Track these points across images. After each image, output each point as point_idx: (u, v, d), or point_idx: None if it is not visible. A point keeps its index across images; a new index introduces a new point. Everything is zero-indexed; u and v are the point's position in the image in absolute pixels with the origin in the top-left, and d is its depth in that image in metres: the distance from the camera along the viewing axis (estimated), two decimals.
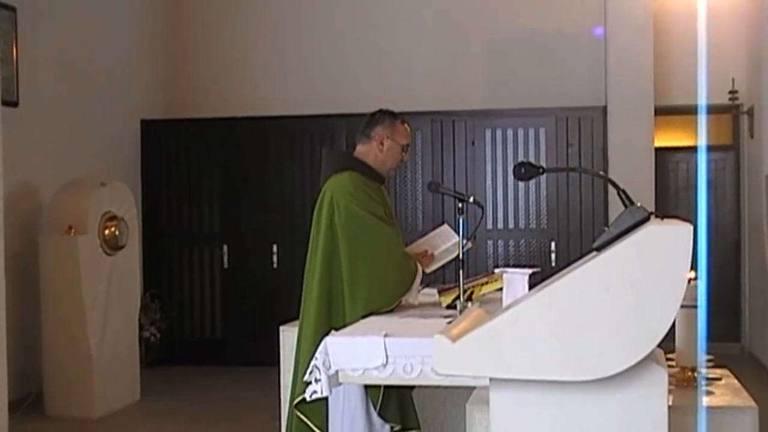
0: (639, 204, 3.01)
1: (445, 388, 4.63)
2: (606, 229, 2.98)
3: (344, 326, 4.42)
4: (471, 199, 4.81)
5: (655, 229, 2.73)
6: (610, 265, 2.72)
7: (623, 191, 3.21)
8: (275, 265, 10.75)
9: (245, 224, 10.92)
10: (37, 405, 8.49)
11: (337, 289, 4.63)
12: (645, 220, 2.90)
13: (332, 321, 4.56)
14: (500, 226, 10.61)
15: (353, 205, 4.65)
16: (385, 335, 3.85)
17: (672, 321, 2.67)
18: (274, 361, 5.71)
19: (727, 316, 11.19)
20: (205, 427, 8.13)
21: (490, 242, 10.59)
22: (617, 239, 2.85)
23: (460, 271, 4.62)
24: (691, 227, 2.69)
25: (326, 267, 4.68)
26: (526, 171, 3.65)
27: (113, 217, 8.82)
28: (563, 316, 2.70)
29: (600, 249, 2.89)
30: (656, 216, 3.03)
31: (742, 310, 11.32)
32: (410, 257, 4.78)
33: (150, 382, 9.40)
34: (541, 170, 3.68)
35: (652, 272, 2.67)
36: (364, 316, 4.50)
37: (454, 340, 2.77)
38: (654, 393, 2.78)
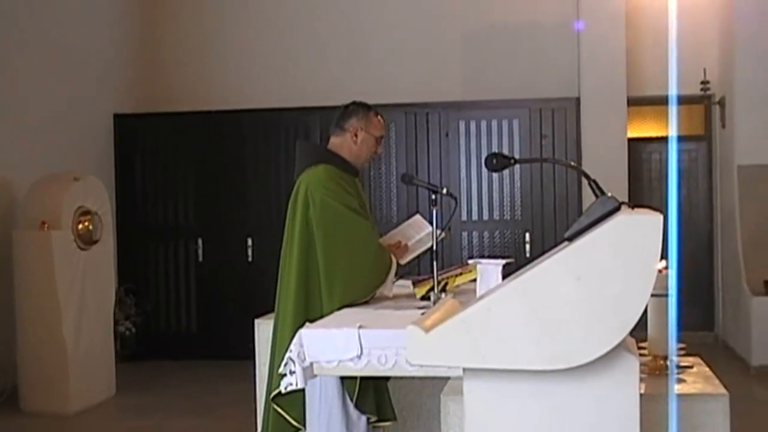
0: (610, 194, 3.03)
1: (421, 378, 4.64)
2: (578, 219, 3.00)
3: (321, 318, 4.43)
4: (444, 191, 4.82)
5: (625, 218, 2.75)
6: (581, 255, 2.73)
7: (594, 181, 3.24)
8: (250, 259, 10.75)
9: (220, 218, 10.91)
10: (12, 401, 8.47)
11: (313, 282, 4.63)
12: (616, 210, 2.92)
13: (309, 314, 4.56)
14: (475, 217, 10.64)
15: (328, 198, 4.65)
16: (360, 327, 3.86)
17: (643, 309, 2.69)
18: (250, 354, 5.71)
19: (700, 305, 11.27)
20: (181, 421, 8.13)
21: (464, 233, 10.62)
22: (588, 229, 2.87)
23: (434, 263, 4.63)
24: (661, 217, 2.71)
25: (302, 260, 4.67)
26: (497, 162, 3.67)
27: (87, 212, 8.80)
28: (536, 305, 2.71)
29: (571, 239, 2.91)
30: (627, 206, 3.06)
31: (715, 300, 11.39)
32: (385, 249, 4.78)
33: (126, 377, 9.38)
34: (512, 161, 3.70)
35: (623, 261, 2.69)
36: (340, 308, 4.50)
37: (427, 330, 2.78)
38: (626, 381, 2.80)
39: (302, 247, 4.67)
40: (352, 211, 4.67)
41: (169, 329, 11.10)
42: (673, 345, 4.12)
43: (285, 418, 4.59)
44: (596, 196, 3.10)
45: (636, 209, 3.00)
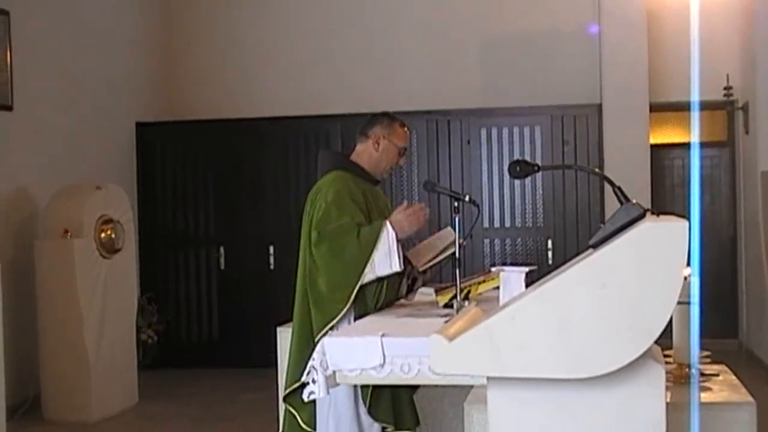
0: (634, 201, 3.01)
1: (444, 387, 4.62)
2: (602, 226, 2.98)
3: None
4: (467, 198, 4.81)
5: (650, 226, 2.73)
6: (605, 263, 2.71)
7: (619, 188, 3.21)
8: (272, 267, 10.74)
9: (241, 226, 10.91)
10: (34, 409, 8.46)
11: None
12: (640, 217, 2.90)
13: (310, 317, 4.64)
14: (497, 224, 10.61)
15: (328, 205, 4.66)
16: (383, 335, 3.85)
17: (668, 318, 2.67)
18: (272, 362, 5.72)
19: (724, 312, 11.19)
20: (203, 430, 8.13)
21: (486, 241, 10.59)
22: (613, 236, 2.85)
23: (457, 270, 4.61)
24: (687, 224, 2.69)
25: (305, 265, 4.72)
26: (521, 169, 3.66)
27: (109, 221, 8.81)
28: (560, 313, 2.70)
29: (596, 246, 2.89)
30: (652, 213, 3.03)
31: (739, 307, 11.31)
32: (372, 225, 4.66)
33: (148, 385, 9.38)
34: (536, 168, 3.68)
35: (648, 269, 2.66)
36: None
37: (450, 339, 2.77)
38: (651, 390, 2.78)
39: (305, 253, 4.72)
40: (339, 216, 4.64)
41: (191, 337, 11.10)
42: (695, 353, 4.09)
43: (297, 421, 4.63)
44: (620, 203, 3.07)
45: (661, 216, 2.98)
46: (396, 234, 4.56)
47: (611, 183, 3.27)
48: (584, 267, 2.74)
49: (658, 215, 2.98)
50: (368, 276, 4.54)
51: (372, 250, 4.52)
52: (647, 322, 2.66)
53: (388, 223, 4.56)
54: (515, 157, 10.23)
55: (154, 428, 8.39)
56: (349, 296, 4.54)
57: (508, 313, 2.77)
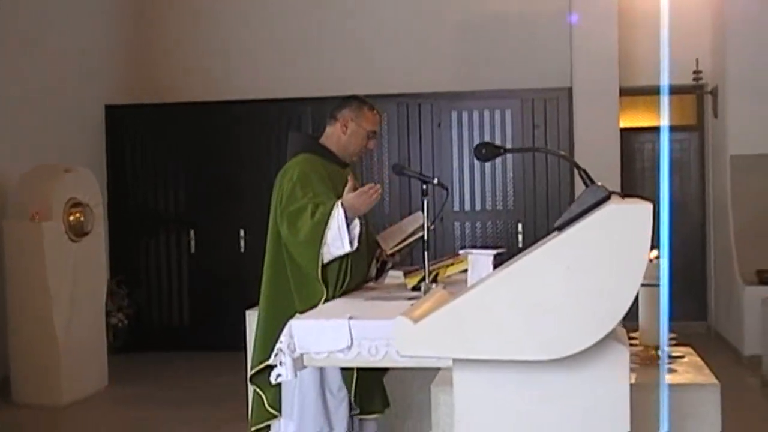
0: (600, 183, 3.02)
1: (414, 370, 4.63)
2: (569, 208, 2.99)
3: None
4: (435, 181, 4.82)
5: (614, 208, 2.74)
6: (570, 245, 2.72)
7: (584, 170, 3.23)
8: (242, 250, 10.73)
9: (212, 209, 10.89)
10: (3, 392, 8.45)
11: (281, 269, 4.67)
12: (605, 199, 2.90)
13: (279, 299, 4.68)
14: (467, 207, 10.63)
15: (293, 185, 4.66)
16: (350, 318, 3.85)
17: (633, 299, 2.68)
18: (243, 345, 5.70)
19: (693, 295, 11.27)
20: (173, 413, 8.11)
21: (457, 224, 10.62)
22: (578, 218, 2.86)
23: (425, 253, 4.62)
24: (651, 206, 2.70)
25: (273, 248, 4.73)
26: (487, 151, 3.66)
27: (78, 204, 8.77)
28: (525, 295, 2.70)
29: (561, 228, 2.90)
30: (618, 195, 3.04)
31: (708, 290, 11.40)
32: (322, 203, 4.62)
33: (118, 368, 9.37)
34: (502, 150, 3.69)
35: (613, 251, 2.67)
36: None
37: (416, 321, 2.77)
38: (616, 371, 2.80)
39: (273, 235, 4.72)
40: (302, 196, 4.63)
41: (162, 320, 11.08)
42: (664, 335, 4.12)
43: (263, 403, 4.64)
44: (586, 185, 3.09)
45: (626, 198, 2.99)
46: (345, 213, 4.51)
47: (576, 165, 3.29)
48: (549, 248, 2.74)
49: (623, 197, 2.99)
50: (326, 255, 4.53)
51: (324, 229, 4.49)
52: (611, 303, 2.67)
53: (339, 203, 4.53)
54: (486, 140, 10.28)
55: (124, 411, 8.38)
56: (318, 278, 4.55)
57: (474, 295, 2.78)
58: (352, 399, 4.63)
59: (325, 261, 4.53)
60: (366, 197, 4.53)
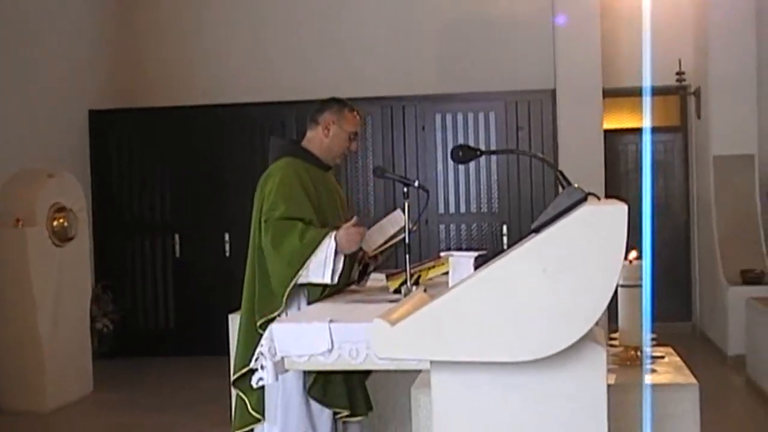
0: (576, 185, 3.03)
1: (396, 372, 4.63)
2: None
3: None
4: (416, 184, 4.82)
5: (589, 209, 2.75)
6: (546, 246, 2.73)
7: (560, 172, 3.24)
8: (228, 254, 10.72)
9: (197, 213, 10.88)
10: None
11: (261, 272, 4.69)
12: (582, 201, 2.92)
13: (256, 301, 4.68)
14: (452, 210, 10.64)
15: (271, 193, 4.67)
16: (330, 321, 3.86)
17: (608, 300, 2.69)
18: (227, 350, 5.70)
19: (677, 295, 11.31)
20: (159, 418, 8.11)
21: (442, 226, 10.63)
22: (555, 220, 2.87)
23: (407, 256, 4.62)
24: (626, 207, 2.71)
25: (254, 251, 4.74)
26: (463, 154, 3.67)
27: (62, 209, 8.75)
28: (501, 297, 2.71)
29: (538, 230, 2.91)
30: (595, 197, 3.06)
31: (692, 290, 11.43)
32: (317, 231, 4.60)
33: (103, 374, 9.34)
34: (478, 152, 3.70)
35: (588, 252, 2.69)
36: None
37: (393, 323, 2.78)
38: (593, 372, 2.80)
39: (255, 240, 4.73)
40: (282, 214, 4.63)
41: (147, 326, 11.06)
42: (647, 335, 4.13)
43: (247, 408, 4.63)
44: (563, 187, 3.10)
45: (603, 200, 3.01)
46: (336, 247, 4.52)
47: (553, 167, 3.31)
48: (525, 250, 2.76)
49: (600, 199, 3.00)
50: (301, 278, 4.53)
51: (310, 255, 4.50)
52: (587, 305, 2.68)
53: (333, 234, 4.53)
54: (470, 143, 10.29)
55: (109, 416, 8.36)
56: (283, 294, 4.55)
57: (451, 297, 2.78)
58: (309, 393, 4.59)
59: (298, 283, 4.54)
60: (353, 238, 4.55)
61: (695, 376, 3.68)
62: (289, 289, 4.52)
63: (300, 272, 4.50)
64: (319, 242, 4.50)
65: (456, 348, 2.75)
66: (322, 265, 4.51)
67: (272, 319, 4.50)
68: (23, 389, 8.33)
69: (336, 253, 4.51)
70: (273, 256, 4.56)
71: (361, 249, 5.01)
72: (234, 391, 4.82)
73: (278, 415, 4.62)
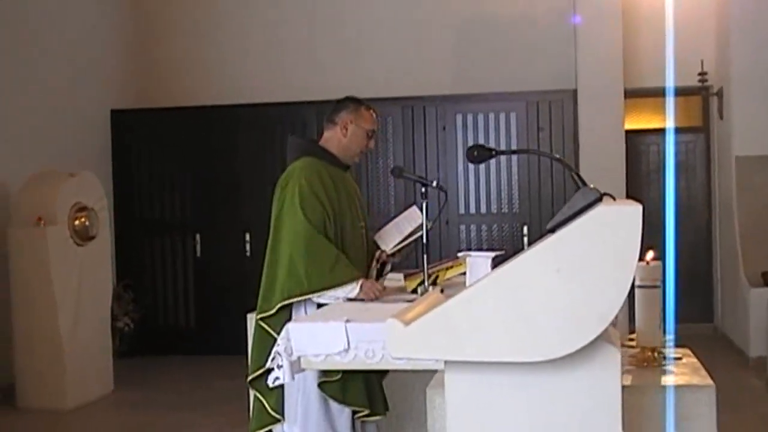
0: (592, 185, 3.02)
1: (413, 372, 4.63)
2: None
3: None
4: (434, 184, 4.83)
5: (604, 210, 2.74)
6: (560, 247, 2.72)
7: (576, 173, 3.23)
8: (248, 254, 10.72)
9: (217, 213, 10.91)
10: (8, 397, 8.47)
11: (276, 273, 4.69)
12: (597, 201, 2.91)
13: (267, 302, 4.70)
14: (472, 210, 10.62)
15: (293, 197, 4.67)
16: (347, 321, 3.86)
17: (622, 301, 2.68)
18: (245, 349, 5.71)
19: (699, 297, 11.25)
20: (178, 417, 8.12)
21: (462, 227, 10.61)
22: (570, 220, 2.86)
23: (425, 256, 4.63)
24: (641, 207, 2.70)
25: (271, 253, 4.76)
26: (478, 154, 3.66)
27: (83, 208, 8.79)
28: (515, 297, 2.71)
29: (553, 230, 2.90)
30: (610, 197, 3.04)
31: (714, 291, 11.37)
32: (349, 267, 4.65)
33: (124, 373, 9.39)
34: (493, 152, 3.69)
35: (602, 253, 2.67)
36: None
37: (407, 323, 2.78)
38: (607, 373, 2.79)
39: (272, 241, 4.75)
40: (306, 218, 4.64)
41: (167, 324, 11.09)
42: (667, 336, 4.12)
43: (265, 408, 4.63)
44: (578, 187, 3.09)
45: (618, 200, 2.99)
46: (359, 293, 4.56)
47: (569, 167, 3.28)
48: (539, 251, 2.75)
49: (615, 199, 2.99)
50: (312, 296, 4.58)
51: (332, 287, 4.55)
52: (601, 305, 2.67)
53: (360, 282, 4.58)
54: (491, 144, 10.28)
55: (129, 415, 8.39)
56: (279, 302, 4.61)
57: (465, 297, 2.78)
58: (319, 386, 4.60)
59: (302, 299, 4.58)
60: (372, 294, 4.57)
61: (712, 378, 3.66)
62: (287, 303, 4.55)
63: (311, 296, 4.55)
64: (345, 283, 4.56)
65: (470, 348, 2.74)
66: (333, 299, 4.58)
67: (270, 317, 4.54)
68: (44, 388, 8.37)
69: (355, 297, 4.57)
70: (295, 268, 4.56)
71: (378, 247, 5.02)
72: (251, 392, 4.83)
73: (298, 416, 4.63)
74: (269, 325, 4.55)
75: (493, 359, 2.75)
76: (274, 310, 4.57)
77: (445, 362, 2.86)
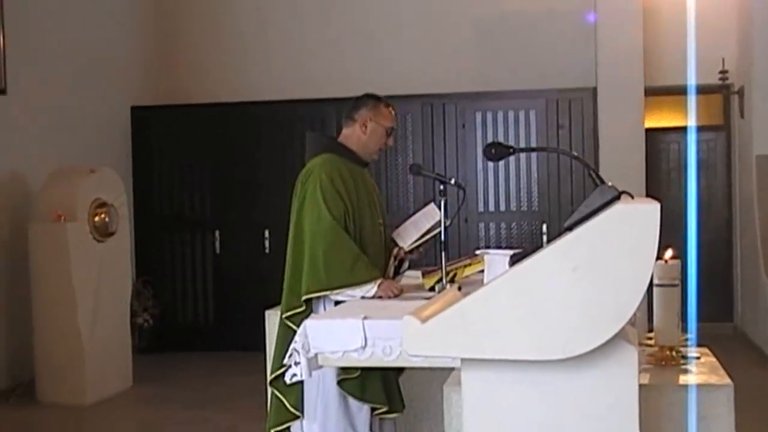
0: (610, 183, 3.01)
1: (431, 369, 4.63)
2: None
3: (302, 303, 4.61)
4: (452, 181, 4.82)
5: (622, 208, 2.73)
6: (577, 245, 2.71)
7: (594, 170, 3.22)
8: (267, 251, 10.74)
9: (236, 210, 10.92)
10: (29, 393, 8.51)
11: (300, 269, 4.68)
12: (615, 199, 2.90)
13: (294, 297, 4.67)
14: (491, 208, 10.61)
15: (315, 191, 4.67)
16: (364, 318, 3.86)
17: (640, 300, 2.67)
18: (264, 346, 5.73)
19: (719, 295, 11.20)
20: (197, 413, 8.14)
21: (481, 225, 10.60)
22: (587, 219, 2.85)
23: (443, 253, 4.62)
24: (659, 206, 2.69)
25: (293, 249, 4.75)
26: (496, 152, 3.66)
27: (103, 204, 8.82)
28: (531, 295, 2.70)
29: (570, 228, 2.89)
30: (628, 195, 3.03)
31: (734, 290, 11.32)
32: (367, 265, 4.64)
33: (143, 369, 9.41)
34: (511, 150, 3.68)
35: (620, 251, 2.67)
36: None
37: (423, 320, 2.78)
38: (624, 371, 2.79)
39: (294, 237, 4.73)
40: (330, 214, 4.64)
41: (186, 321, 11.12)
42: (692, 333, 4.11)
43: (283, 404, 4.63)
44: (596, 185, 3.08)
45: (636, 199, 2.98)
46: (376, 292, 4.55)
47: (586, 165, 3.28)
48: (556, 249, 2.74)
49: (633, 198, 2.98)
50: (329, 293, 4.59)
51: (351, 286, 4.55)
52: (619, 304, 2.67)
53: (379, 281, 4.57)
54: (510, 141, 10.26)
55: (148, 411, 8.42)
56: (304, 296, 4.60)
57: (482, 295, 2.78)
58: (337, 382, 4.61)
59: (320, 295, 4.59)
60: (389, 292, 4.56)
61: (731, 377, 3.65)
62: (306, 298, 4.57)
63: (330, 293, 4.56)
64: (364, 282, 4.55)
65: (485, 346, 2.74)
66: (350, 297, 4.57)
67: (298, 314, 4.53)
68: (63, 383, 8.40)
69: (373, 296, 4.56)
70: (316, 264, 4.57)
71: (396, 245, 5.02)
72: (269, 389, 4.83)
73: (318, 413, 4.63)
74: (294, 323, 4.54)
75: (509, 357, 2.75)
76: (304, 307, 4.58)
77: (462, 360, 2.85)
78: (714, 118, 11.52)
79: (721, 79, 10.87)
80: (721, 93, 11.27)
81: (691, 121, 11.08)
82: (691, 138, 11.31)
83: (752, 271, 10.35)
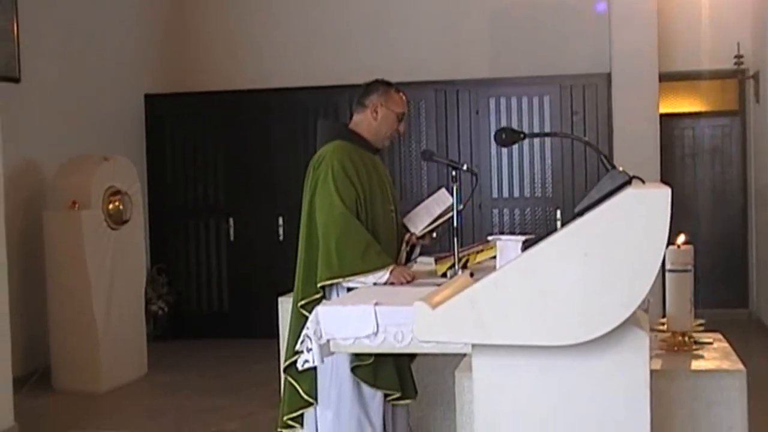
0: (621, 168, 3.00)
1: (443, 356, 4.63)
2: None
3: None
4: (464, 167, 4.81)
5: (632, 193, 2.72)
6: (587, 230, 2.71)
7: (605, 156, 3.22)
8: (281, 238, 10.75)
9: (251, 197, 10.93)
10: (44, 380, 8.54)
11: (313, 258, 4.67)
12: (626, 185, 2.89)
13: (310, 285, 4.65)
14: (506, 194, 10.59)
15: (327, 178, 4.67)
16: (376, 304, 3.85)
17: (650, 285, 2.66)
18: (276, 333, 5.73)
19: (734, 282, 11.17)
20: (211, 400, 8.16)
21: (495, 211, 10.58)
22: (598, 204, 2.84)
23: (455, 239, 4.62)
24: (669, 191, 2.67)
25: (306, 236, 4.74)
26: (507, 137, 3.65)
27: (117, 192, 8.84)
28: (542, 281, 2.70)
29: (581, 214, 2.89)
30: (639, 180, 3.02)
31: (749, 277, 11.28)
32: (380, 253, 4.64)
33: (158, 356, 9.44)
34: (522, 135, 3.67)
35: (630, 236, 2.66)
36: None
37: (434, 306, 2.78)
38: (635, 356, 2.78)
39: (306, 224, 4.73)
40: (341, 201, 4.63)
41: (201, 308, 11.15)
42: (701, 321, 4.10)
43: (297, 391, 4.64)
44: (607, 170, 3.07)
45: (649, 183, 2.97)
46: (389, 278, 4.54)
47: (597, 150, 3.27)
48: (566, 234, 2.74)
49: (644, 183, 2.97)
50: (342, 281, 4.59)
51: (363, 272, 4.54)
52: (629, 289, 2.66)
53: (391, 268, 4.56)
54: (524, 128, 10.23)
55: (162, 398, 8.44)
56: (319, 283, 4.61)
57: (491, 281, 2.77)
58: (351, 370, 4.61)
59: (332, 282, 4.59)
60: (401, 278, 4.55)
61: (744, 363, 3.64)
62: (323, 285, 4.58)
63: (342, 280, 4.56)
64: (377, 269, 4.54)
65: (496, 332, 2.74)
66: (363, 283, 4.56)
67: (314, 301, 4.53)
68: (78, 370, 8.43)
69: (386, 282, 4.55)
70: (329, 252, 4.56)
71: (408, 230, 5.02)
72: (283, 376, 4.84)
73: (332, 400, 4.63)
74: (308, 311, 4.54)
75: (520, 343, 2.75)
76: (320, 294, 4.58)
77: (473, 346, 2.85)
78: (729, 104, 11.48)
79: (736, 63, 10.81)
80: (736, 78, 11.21)
81: (706, 107, 11.04)
82: (706, 123, 11.27)
83: (767, 258, 10.32)
